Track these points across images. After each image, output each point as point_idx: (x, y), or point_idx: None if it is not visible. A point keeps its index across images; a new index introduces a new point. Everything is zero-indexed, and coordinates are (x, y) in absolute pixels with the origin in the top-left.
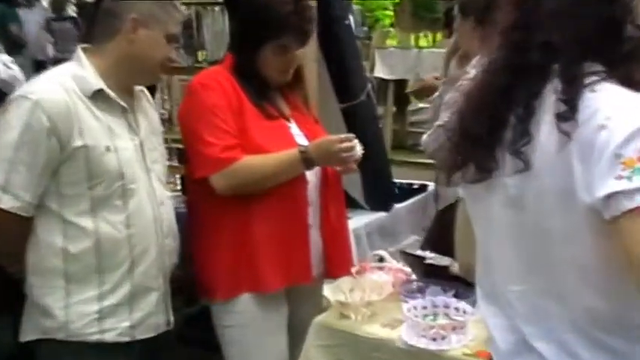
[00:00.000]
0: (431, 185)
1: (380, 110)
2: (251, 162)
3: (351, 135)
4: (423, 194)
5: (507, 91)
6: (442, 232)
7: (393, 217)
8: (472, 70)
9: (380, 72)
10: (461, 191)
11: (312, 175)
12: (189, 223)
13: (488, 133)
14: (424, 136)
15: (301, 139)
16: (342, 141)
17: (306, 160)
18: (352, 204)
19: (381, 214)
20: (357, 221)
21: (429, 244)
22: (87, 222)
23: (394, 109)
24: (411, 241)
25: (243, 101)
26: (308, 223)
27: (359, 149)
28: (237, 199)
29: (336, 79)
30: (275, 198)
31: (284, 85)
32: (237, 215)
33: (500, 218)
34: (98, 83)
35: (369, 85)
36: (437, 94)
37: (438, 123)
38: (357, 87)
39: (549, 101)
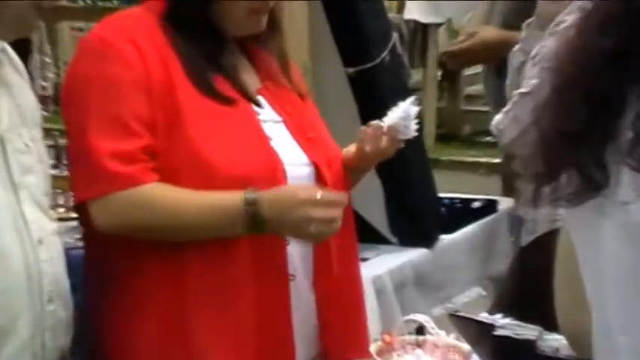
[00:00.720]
0: (504, 202)
1: (415, 76)
2: (161, 196)
3: (343, 196)
4: (489, 218)
5: (622, 59)
6: (525, 281)
7: (439, 256)
8: (568, 17)
9: (414, 13)
10: (561, 214)
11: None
12: (89, 275)
13: (590, 125)
14: (496, 117)
15: (278, 132)
16: (321, 204)
17: (253, 218)
18: (369, 236)
19: (419, 253)
20: (379, 264)
21: (503, 302)
22: None
23: (439, 73)
24: (471, 298)
25: (176, 71)
26: (287, 272)
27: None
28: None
29: (340, 26)
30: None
31: (250, 39)
32: (167, 265)
33: (618, 256)
34: None
35: (395, 37)
36: (517, 46)
37: (520, 91)
38: (375, 39)
39: None
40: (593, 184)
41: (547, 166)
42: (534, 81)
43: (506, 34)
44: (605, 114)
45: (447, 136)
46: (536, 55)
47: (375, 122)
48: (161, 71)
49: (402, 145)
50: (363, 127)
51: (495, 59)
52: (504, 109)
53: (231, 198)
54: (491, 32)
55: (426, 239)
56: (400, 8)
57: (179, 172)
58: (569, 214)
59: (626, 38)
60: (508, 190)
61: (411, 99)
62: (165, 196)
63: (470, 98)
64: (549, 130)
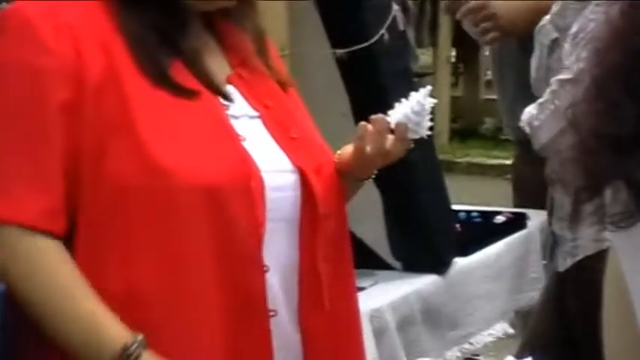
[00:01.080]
0: (536, 216)
1: (423, 59)
2: (45, 266)
3: None
4: (517, 236)
5: None
6: (564, 316)
7: (454, 285)
8: None
9: None
10: (607, 235)
11: (278, 200)
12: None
13: (636, 129)
14: (528, 110)
15: (253, 131)
16: None
17: None
18: (366, 259)
19: (428, 280)
20: (378, 295)
21: (535, 342)
22: None
23: (453, 54)
24: (494, 337)
25: (122, 58)
26: (266, 307)
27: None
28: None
29: None
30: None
31: (219, 15)
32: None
33: None
34: None
35: (396, 10)
36: (546, 19)
37: (560, 77)
38: (370, 13)
39: None
40: None
41: (588, 178)
42: (580, 65)
43: (534, 4)
44: None
45: (464, 133)
46: (579, 32)
47: (378, 116)
48: (101, 59)
49: (411, 145)
50: (363, 123)
51: (523, 31)
52: (540, 101)
53: (110, 335)
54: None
55: (436, 263)
56: None
57: (128, 189)
58: (617, 239)
59: None
60: (521, 200)
61: (426, 89)
62: (52, 265)
63: (492, 85)
64: (589, 134)
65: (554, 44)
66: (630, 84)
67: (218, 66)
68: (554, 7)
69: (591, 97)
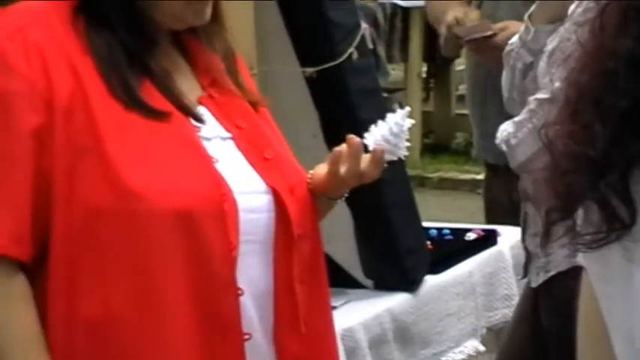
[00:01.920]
0: (507, 233)
1: (395, 74)
2: (5, 309)
3: None
4: (488, 253)
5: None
6: (537, 334)
7: (425, 303)
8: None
9: None
10: (579, 259)
11: (252, 222)
12: None
13: (611, 147)
14: (504, 128)
15: (225, 152)
16: None
17: None
18: (336, 278)
19: (399, 299)
20: (349, 315)
21: None
22: None
23: (424, 69)
24: (466, 355)
25: (90, 79)
26: (241, 330)
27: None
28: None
29: (295, 17)
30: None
31: (189, 35)
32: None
33: None
34: None
35: (364, 28)
36: (517, 43)
37: (538, 97)
38: (339, 32)
39: None
40: (617, 223)
41: (559, 199)
42: (557, 84)
43: None
44: (628, 134)
45: (436, 148)
46: (555, 51)
47: (353, 139)
48: (70, 82)
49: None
50: (337, 149)
51: None
52: (517, 119)
53: None
54: (515, 26)
55: (407, 282)
56: None
57: (100, 212)
58: (589, 263)
59: None
60: (492, 217)
61: (404, 111)
62: (11, 309)
63: (464, 100)
64: (562, 155)
65: (528, 67)
66: (600, 106)
67: (188, 86)
68: (524, 32)
69: (564, 118)
